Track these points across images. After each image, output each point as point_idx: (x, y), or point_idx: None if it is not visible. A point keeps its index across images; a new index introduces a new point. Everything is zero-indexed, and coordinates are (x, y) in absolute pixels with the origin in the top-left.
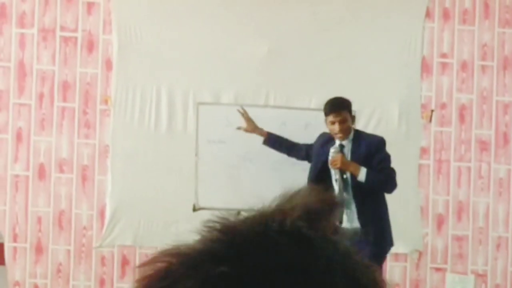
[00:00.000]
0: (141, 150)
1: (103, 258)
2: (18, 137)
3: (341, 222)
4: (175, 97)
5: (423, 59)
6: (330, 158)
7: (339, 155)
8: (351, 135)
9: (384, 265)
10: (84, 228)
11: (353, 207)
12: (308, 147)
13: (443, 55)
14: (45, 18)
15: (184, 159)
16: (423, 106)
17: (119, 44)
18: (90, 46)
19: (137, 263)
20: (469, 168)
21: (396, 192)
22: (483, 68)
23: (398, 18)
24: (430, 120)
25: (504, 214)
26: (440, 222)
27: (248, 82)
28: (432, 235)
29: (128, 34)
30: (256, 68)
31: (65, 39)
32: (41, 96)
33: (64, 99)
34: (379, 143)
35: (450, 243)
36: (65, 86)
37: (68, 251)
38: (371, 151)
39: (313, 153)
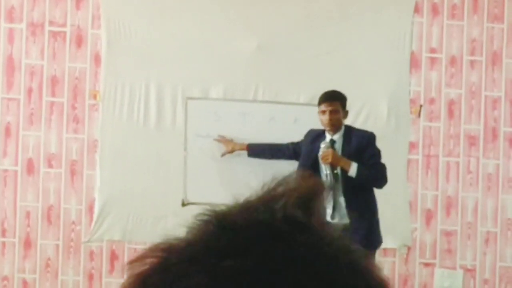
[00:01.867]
0: (130, 145)
1: (91, 253)
2: (7, 131)
3: (332, 217)
4: (164, 91)
5: (412, 54)
6: (320, 153)
7: (330, 150)
8: (342, 130)
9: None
10: (73, 223)
11: (343, 202)
12: (295, 145)
13: (432, 50)
14: (34, 12)
15: (173, 153)
16: (412, 101)
17: (108, 39)
18: (79, 41)
19: (126, 258)
20: (457, 163)
21: (385, 187)
22: (472, 63)
23: (387, 13)
24: (419, 115)
25: (492, 209)
26: (428, 217)
27: (237, 77)
28: (421, 230)
29: (117, 29)
30: (245, 63)
31: (54, 34)
32: (29, 91)
33: (53, 94)
34: (369, 138)
35: (438, 238)
36: (54, 81)
37: (57, 246)
38: (362, 146)
39: (302, 150)
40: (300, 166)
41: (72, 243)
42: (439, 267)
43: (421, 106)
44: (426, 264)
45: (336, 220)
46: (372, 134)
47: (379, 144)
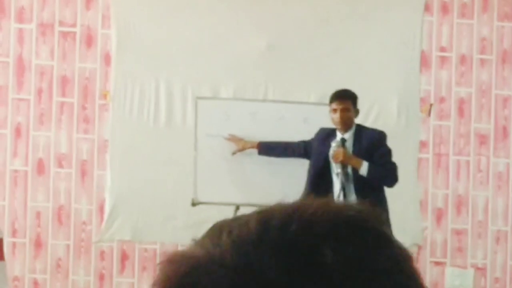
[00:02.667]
0: (140, 145)
1: (102, 253)
2: (17, 132)
3: None
4: (174, 91)
5: (422, 53)
6: (331, 152)
7: (341, 149)
8: (353, 129)
9: None
10: (83, 223)
11: (354, 200)
12: (306, 144)
13: (442, 49)
14: (44, 13)
15: (183, 153)
16: (422, 100)
17: (118, 38)
18: (89, 41)
19: (137, 258)
20: (468, 162)
21: (395, 186)
22: (482, 61)
23: (397, 12)
24: (429, 114)
25: (503, 207)
26: (439, 216)
27: (247, 77)
28: (432, 229)
29: (127, 28)
30: (255, 62)
31: (64, 34)
32: (40, 91)
33: (63, 94)
34: (380, 137)
35: (449, 237)
36: (64, 81)
37: (68, 246)
38: (373, 145)
39: (313, 149)
40: (311, 165)
41: (82, 243)
42: (449, 266)
43: (431, 105)
44: (437, 263)
45: None
46: (383, 133)
47: (389, 143)
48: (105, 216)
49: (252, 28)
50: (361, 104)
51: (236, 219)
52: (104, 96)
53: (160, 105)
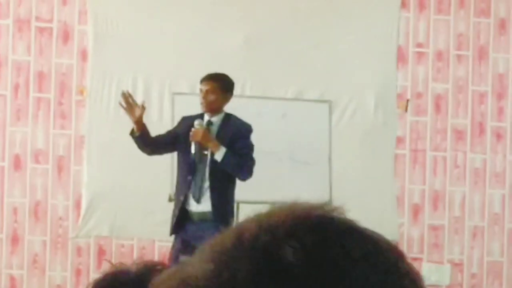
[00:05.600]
0: (117, 141)
1: (79, 248)
2: None
3: (198, 201)
4: (151, 87)
5: (399, 48)
6: (192, 130)
7: (202, 129)
8: (222, 116)
9: None
10: (60, 218)
11: (207, 187)
12: (172, 134)
13: (419, 45)
14: (21, 8)
15: None
16: (399, 96)
17: (94, 34)
18: (66, 36)
19: (114, 254)
20: (445, 158)
21: (372, 181)
22: (459, 57)
23: (375, 7)
24: (406, 110)
25: (480, 203)
26: (416, 211)
27: (224, 72)
28: (408, 224)
29: (104, 24)
30: (232, 58)
31: (41, 30)
32: (16, 87)
33: (40, 90)
34: (246, 130)
35: (426, 233)
36: (41, 77)
37: (44, 241)
38: (237, 136)
39: (180, 138)
40: (180, 156)
41: (59, 239)
42: (426, 262)
43: (408, 100)
44: (414, 259)
45: (201, 205)
46: (250, 127)
47: (366, 138)
48: (82, 211)
49: (230, 23)
50: (338, 100)
51: (217, 237)
52: (80, 92)
53: (137, 101)
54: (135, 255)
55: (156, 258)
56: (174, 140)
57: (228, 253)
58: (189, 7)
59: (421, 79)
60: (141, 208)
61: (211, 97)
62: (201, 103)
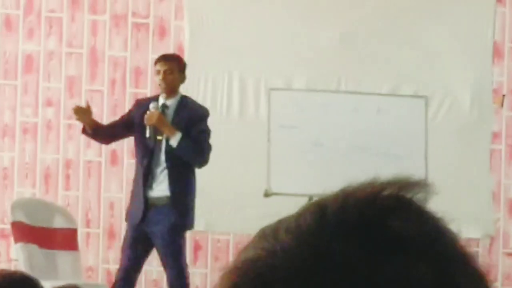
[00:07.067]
0: (213, 136)
1: None
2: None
3: (151, 185)
4: (247, 83)
5: (495, 44)
6: (147, 113)
7: (156, 112)
8: (178, 98)
9: None
10: None
11: (165, 172)
12: (126, 119)
13: None
14: (117, 4)
15: (256, 144)
16: (495, 91)
17: (190, 30)
18: (162, 32)
19: (210, 248)
20: None
21: (467, 177)
22: None
23: (469, 3)
24: (502, 105)
25: None
26: None
27: (319, 68)
28: (504, 220)
29: (200, 20)
30: (327, 53)
31: (137, 26)
32: (113, 82)
33: (136, 86)
34: (203, 114)
35: None
36: (137, 72)
37: None
38: (194, 120)
39: (135, 123)
40: (138, 140)
41: None
42: None
43: (503, 96)
44: (510, 254)
45: (156, 190)
46: (207, 111)
47: (461, 134)
48: None
49: (324, 19)
50: (433, 96)
51: (285, 219)
52: None
53: (233, 97)
54: (230, 250)
55: None
56: (130, 124)
57: (310, 231)
58: (285, 3)
59: None
60: (236, 203)
61: (170, 77)
62: (159, 85)
